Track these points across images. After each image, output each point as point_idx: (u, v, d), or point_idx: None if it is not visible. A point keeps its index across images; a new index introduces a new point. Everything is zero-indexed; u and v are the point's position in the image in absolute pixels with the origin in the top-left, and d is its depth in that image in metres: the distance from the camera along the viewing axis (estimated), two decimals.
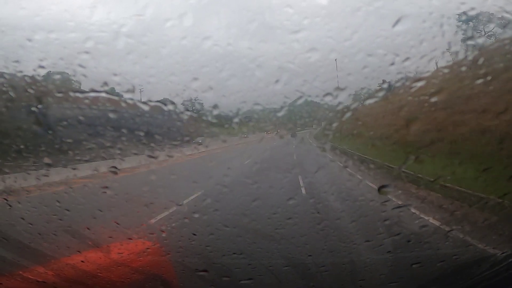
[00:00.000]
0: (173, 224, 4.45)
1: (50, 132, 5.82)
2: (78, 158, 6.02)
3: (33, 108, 5.42)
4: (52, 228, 3.37)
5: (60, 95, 6.68)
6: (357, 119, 8.40)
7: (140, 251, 3.03)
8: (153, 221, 5.23)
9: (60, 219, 3.68)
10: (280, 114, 7.43)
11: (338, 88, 5.71)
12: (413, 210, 5.14)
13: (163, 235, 3.90)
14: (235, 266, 3.33)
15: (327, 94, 5.74)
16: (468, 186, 5.42)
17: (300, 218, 4.93)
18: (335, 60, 6.58)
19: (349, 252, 3.76)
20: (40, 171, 5.37)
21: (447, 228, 4.30)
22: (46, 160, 5.69)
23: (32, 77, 6.13)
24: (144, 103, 6.29)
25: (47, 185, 6.00)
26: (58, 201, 4.45)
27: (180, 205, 5.91)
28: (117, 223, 3.99)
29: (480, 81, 6.10)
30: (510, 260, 2.11)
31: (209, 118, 6.95)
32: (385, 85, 6.51)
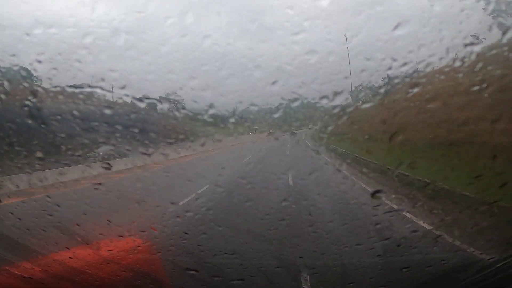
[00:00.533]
0: (165, 223, 4.43)
1: (43, 126, 5.78)
2: (71, 153, 5.98)
3: (27, 102, 5.37)
4: (41, 224, 3.34)
5: (55, 89, 6.63)
6: (353, 123, 8.43)
7: (131, 248, 3.01)
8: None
9: (50, 215, 3.65)
10: (276, 115, 7.43)
11: (336, 92, 5.72)
12: (404, 214, 5.17)
13: (155, 233, 3.88)
14: (226, 266, 3.33)
15: (324, 97, 5.74)
16: (459, 192, 5.47)
17: (293, 219, 4.94)
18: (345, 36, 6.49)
19: (340, 255, 3.77)
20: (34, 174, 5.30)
21: (437, 233, 4.33)
22: (39, 154, 5.65)
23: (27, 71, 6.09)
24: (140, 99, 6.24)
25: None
26: (49, 197, 4.42)
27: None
28: (109, 221, 3.96)
29: (476, 88, 6.14)
30: (498, 265, 2.12)
31: (205, 117, 6.93)
32: (387, 79, 6.45)
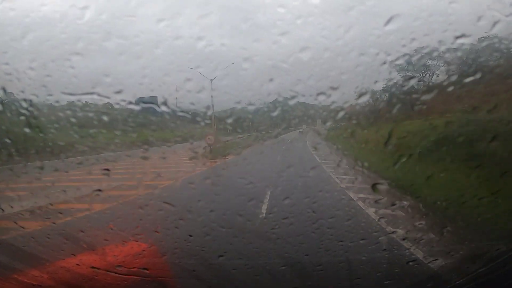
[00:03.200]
0: (169, 226, 4.42)
1: (41, 134, 5.74)
2: (70, 161, 5.94)
3: (24, 111, 5.33)
4: (45, 231, 3.32)
5: (50, 97, 6.59)
6: (350, 118, 8.44)
7: (136, 253, 3.00)
8: None
9: (54, 223, 3.63)
10: (274, 113, 7.42)
11: (332, 88, 5.73)
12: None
13: (159, 236, 3.87)
14: (232, 266, 3.32)
15: (321, 93, 5.76)
16: (461, 182, 5.49)
17: (296, 217, 4.94)
18: None
19: (345, 251, 3.77)
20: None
21: (442, 225, 4.34)
22: (38, 163, 5.62)
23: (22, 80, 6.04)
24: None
25: None
26: (51, 204, 4.39)
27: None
28: (112, 227, 3.95)
29: (470, 78, 6.18)
30: (505, 256, 2.11)
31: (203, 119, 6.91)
32: None
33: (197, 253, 3.57)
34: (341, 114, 6.73)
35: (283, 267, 3.32)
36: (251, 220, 5.26)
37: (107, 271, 2.53)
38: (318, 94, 5.85)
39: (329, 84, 5.78)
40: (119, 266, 2.64)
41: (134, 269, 2.67)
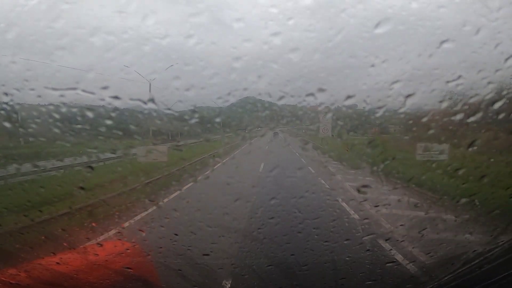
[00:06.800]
0: (153, 224, 4.36)
1: (21, 130, 5.56)
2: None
3: (4, 105, 5.17)
4: (23, 229, 3.21)
5: (33, 92, 6.39)
6: (338, 119, 8.55)
7: (119, 252, 2.94)
8: None
9: (32, 220, 3.51)
10: (263, 114, 7.40)
11: (320, 89, 5.77)
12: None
13: (143, 235, 3.81)
14: (218, 266, 3.31)
15: (309, 94, 5.78)
16: (441, 185, 5.64)
17: (282, 217, 4.95)
18: None
19: (330, 251, 3.81)
20: None
21: (421, 227, 4.45)
22: (16, 158, 5.43)
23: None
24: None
25: None
26: (29, 201, 4.24)
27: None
28: (94, 224, 3.87)
29: (452, 83, 6.35)
30: (481, 258, 2.16)
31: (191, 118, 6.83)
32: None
33: (183, 252, 3.53)
34: (328, 115, 6.80)
35: (270, 267, 3.33)
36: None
37: (89, 270, 2.47)
38: (307, 95, 5.87)
39: (318, 85, 5.81)
40: (101, 265, 2.59)
41: (117, 268, 2.61)
